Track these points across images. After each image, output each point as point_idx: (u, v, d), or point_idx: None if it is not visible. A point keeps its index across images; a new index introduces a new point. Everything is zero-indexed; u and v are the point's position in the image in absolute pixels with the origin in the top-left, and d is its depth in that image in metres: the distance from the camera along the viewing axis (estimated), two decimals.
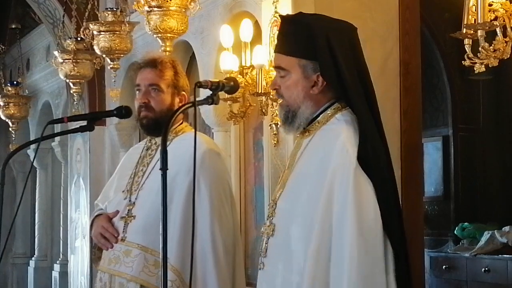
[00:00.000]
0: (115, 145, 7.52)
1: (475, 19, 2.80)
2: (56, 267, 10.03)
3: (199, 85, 2.72)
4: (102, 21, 5.68)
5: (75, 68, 6.49)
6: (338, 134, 2.62)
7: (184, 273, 3.22)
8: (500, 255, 6.42)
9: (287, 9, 4.24)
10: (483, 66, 2.84)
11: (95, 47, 5.75)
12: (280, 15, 2.88)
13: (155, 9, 4.74)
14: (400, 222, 2.68)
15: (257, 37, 4.53)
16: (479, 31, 2.77)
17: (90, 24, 5.81)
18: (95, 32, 5.69)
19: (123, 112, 3.11)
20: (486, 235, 6.63)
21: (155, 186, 3.27)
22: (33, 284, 10.93)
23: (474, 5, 2.79)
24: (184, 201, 3.27)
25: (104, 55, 5.80)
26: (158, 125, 3.38)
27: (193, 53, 6.03)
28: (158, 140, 3.47)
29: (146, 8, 4.77)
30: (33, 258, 11.10)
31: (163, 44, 4.82)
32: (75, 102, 7.15)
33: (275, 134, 4.42)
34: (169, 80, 3.43)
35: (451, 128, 7.32)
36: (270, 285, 2.67)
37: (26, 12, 10.45)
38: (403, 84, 4.43)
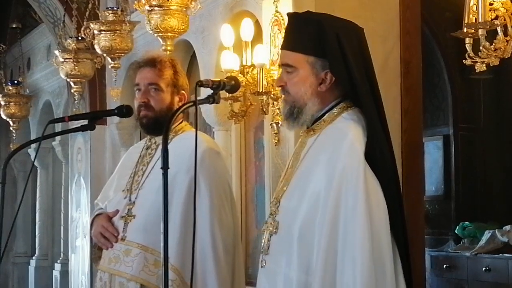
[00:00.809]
0: (116, 144, 7.52)
1: (475, 18, 2.80)
2: (57, 266, 10.03)
3: (200, 84, 2.73)
4: (103, 21, 5.68)
5: (76, 67, 6.50)
6: (346, 133, 2.62)
7: (184, 272, 3.23)
8: (500, 254, 6.42)
9: (287, 8, 4.24)
10: (484, 65, 2.84)
11: (96, 47, 5.75)
12: (288, 13, 2.89)
13: (156, 8, 4.73)
14: (403, 221, 2.68)
15: (257, 36, 4.53)
16: (479, 30, 2.77)
17: (90, 24, 5.81)
18: (95, 32, 5.69)
19: (124, 111, 3.12)
20: (486, 234, 6.63)
21: (155, 185, 3.28)
22: (33, 283, 10.94)
23: (474, 4, 2.79)
24: (184, 200, 3.27)
25: (104, 55, 5.80)
26: (158, 124, 3.38)
27: (194, 52, 6.03)
28: (158, 139, 3.47)
29: (147, 7, 4.76)
30: (33, 258, 11.10)
31: (163, 43, 4.82)
32: (75, 102, 7.16)
33: (276, 133, 4.41)
34: (168, 79, 3.44)
35: (452, 127, 7.32)
36: (272, 283, 2.67)
37: (26, 12, 10.45)
38: (404, 83, 4.43)
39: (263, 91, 4.28)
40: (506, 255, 6.36)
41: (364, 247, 2.49)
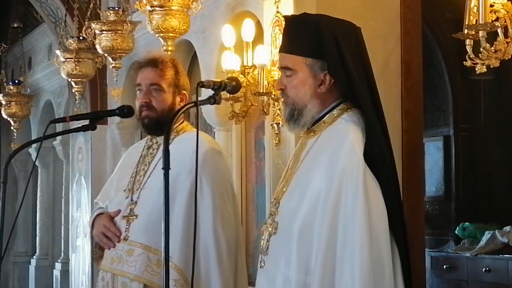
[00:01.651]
0: (117, 144, 7.53)
1: (476, 20, 2.80)
2: (58, 265, 10.03)
3: (202, 85, 2.74)
4: (104, 20, 5.69)
5: (77, 67, 6.50)
6: (347, 134, 2.63)
7: (187, 272, 3.23)
8: (500, 255, 6.42)
9: (289, 9, 4.25)
10: (484, 66, 2.84)
11: (97, 46, 5.76)
12: (284, 16, 2.90)
13: (157, 8, 4.74)
14: (402, 221, 2.69)
15: (258, 37, 4.53)
16: (480, 32, 2.77)
17: (92, 23, 5.81)
18: (97, 31, 5.70)
19: (125, 111, 3.13)
20: (487, 235, 6.63)
21: (157, 185, 3.28)
22: (34, 282, 10.94)
23: (475, 6, 2.79)
24: (187, 200, 3.28)
25: (106, 54, 5.81)
26: (159, 125, 3.39)
27: (195, 52, 6.03)
28: (159, 139, 3.47)
29: (148, 7, 4.77)
30: (34, 257, 11.10)
31: (164, 44, 4.82)
32: (76, 101, 7.17)
33: (276, 133, 4.42)
34: (170, 79, 3.44)
35: (452, 128, 7.32)
36: (271, 283, 2.67)
37: (28, 11, 10.45)
38: (405, 84, 4.43)
39: (264, 91, 4.29)
40: (506, 256, 6.36)
41: (363, 248, 2.50)
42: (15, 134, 9.19)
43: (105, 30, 5.63)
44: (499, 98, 7.36)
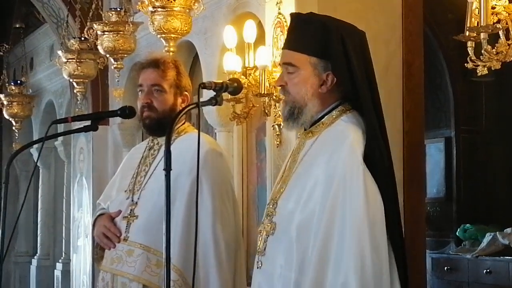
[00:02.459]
0: (118, 145, 7.54)
1: (478, 22, 2.81)
2: (59, 266, 10.04)
3: (203, 86, 2.74)
4: (106, 21, 5.69)
5: (79, 67, 6.50)
6: (347, 136, 2.63)
7: (186, 272, 3.23)
8: (501, 257, 6.42)
9: (290, 10, 4.25)
10: (485, 68, 2.84)
11: (99, 47, 5.76)
12: (292, 13, 2.90)
13: (159, 9, 4.74)
14: (399, 225, 2.69)
15: (260, 38, 4.54)
16: (482, 34, 2.77)
17: (94, 24, 5.81)
18: (99, 32, 5.70)
19: (127, 112, 3.13)
20: (488, 237, 6.63)
21: (157, 186, 3.28)
22: (35, 282, 10.94)
23: (477, 8, 2.79)
24: (187, 201, 3.28)
25: (107, 55, 5.81)
26: (161, 125, 3.39)
27: (197, 53, 6.04)
28: (161, 140, 3.48)
29: (150, 8, 4.77)
30: (35, 257, 11.11)
31: (166, 45, 4.82)
32: (78, 102, 7.17)
33: (278, 134, 4.42)
34: (171, 80, 3.44)
35: (454, 129, 7.32)
36: (269, 284, 2.67)
37: (30, 12, 10.46)
38: (406, 85, 4.43)
39: (265, 92, 4.30)
40: (507, 257, 6.36)
41: (363, 251, 2.50)
42: (17, 135, 9.20)
43: (107, 31, 5.63)
44: (500, 99, 7.36)
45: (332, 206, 2.55)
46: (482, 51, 2.84)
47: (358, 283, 2.48)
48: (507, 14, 2.85)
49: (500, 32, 2.85)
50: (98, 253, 3.54)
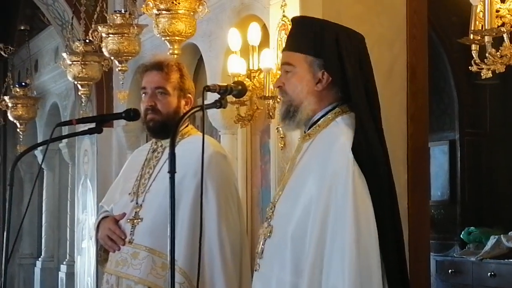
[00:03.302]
0: (123, 147, 7.54)
1: (482, 25, 2.81)
2: (63, 268, 10.05)
3: (208, 89, 2.75)
4: (111, 24, 5.70)
5: (83, 70, 6.51)
6: (338, 137, 2.64)
7: (192, 275, 3.23)
8: (506, 260, 6.41)
9: (295, 13, 4.25)
10: (489, 72, 2.84)
11: (104, 49, 5.77)
12: (297, 16, 2.92)
13: (164, 12, 4.75)
14: (395, 229, 2.67)
15: (264, 41, 4.55)
16: (486, 37, 2.77)
17: (98, 26, 5.83)
18: (103, 34, 5.71)
19: (131, 114, 3.13)
20: (492, 240, 6.62)
21: (162, 188, 3.29)
22: (39, 284, 10.96)
23: (481, 11, 2.79)
24: (192, 204, 3.28)
25: (112, 57, 5.82)
26: (165, 128, 3.40)
27: (201, 56, 6.05)
28: (164, 142, 3.48)
29: (155, 11, 4.78)
30: (39, 259, 11.13)
31: (171, 47, 4.83)
32: (83, 104, 7.18)
33: (282, 137, 4.43)
34: (175, 82, 3.45)
35: (458, 132, 7.31)
36: (266, 286, 2.68)
37: (34, 14, 10.49)
38: (410, 88, 4.43)
39: (270, 95, 4.30)
40: (511, 260, 6.35)
41: (351, 252, 2.50)
42: (21, 137, 9.21)
43: (112, 33, 5.64)
44: (504, 102, 7.35)
45: (324, 209, 2.56)
46: (487, 54, 2.84)
47: (349, 284, 2.48)
48: (511, 17, 2.85)
49: (505, 35, 2.84)
50: (102, 255, 3.54)
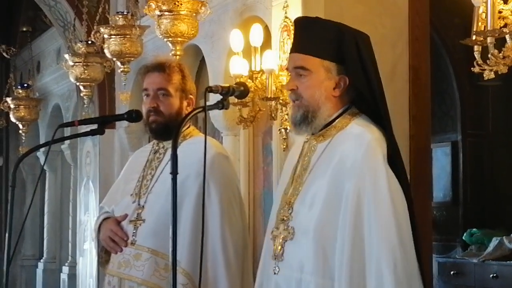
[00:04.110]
0: (125, 148, 7.55)
1: (484, 26, 2.80)
2: (65, 269, 10.06)
3: (210, 90, 2.74)
4: (113, 25, 5.70)
5: (86, 71, 6.51)
6: (366, 137, 2.64)
7: (195, 276, 3.22)
8: (508, 261, 6.41)
9: (297, 14, 4.25)
10: (492, 73, 2.84)
11: (106, 51, 5.77)
12: (298, 17, 2.91)
13: (166, 13, 4.75)
14: (414, 226, 2.70)
15: (267, 42, 4.55)
16: (488, 38, 2.77)
17: (100, 28, 5.83)
18: (105, 36, 5.71)
19: (133, 116, 3.14)
20: (494, 241, 6.62)
21: (164, 189, 3.28)
22: (41, 286, 10.97)
23: (483, 12, 2.79)
24: (194, 205, 3.28)
25: (114, 59, 5.82)
26: (167, 129, 3.39)
27: (203, 57, 6.05)
28: (166, 143, 3.48)
29: (157, 12, 4.78)
30: (41, 260, 11.13)
31: (173, 48, 4.83)
32: (85, 105, 7.18)
33: (284, 138, 4.42)
34: (177, 84, 3.44)
35: (460, 133, 7.31)
36: None
37: (37, 15, 10.49)
38: (412, 89, 4.43)
39: (272, 96, 4.30)
40: None
41: (394, 246, 2.51)
42: (24, 138, 9.21)
43: (114, 35, 5.64)
44: (507, 104, 7.35)
45: (356, 206, 2.56)
46: (489, 56, 2.84)
47: (396, 279, 2.49)
48: None
49: (507, 36, 2.84)
50: (103, 257, 3.53)
